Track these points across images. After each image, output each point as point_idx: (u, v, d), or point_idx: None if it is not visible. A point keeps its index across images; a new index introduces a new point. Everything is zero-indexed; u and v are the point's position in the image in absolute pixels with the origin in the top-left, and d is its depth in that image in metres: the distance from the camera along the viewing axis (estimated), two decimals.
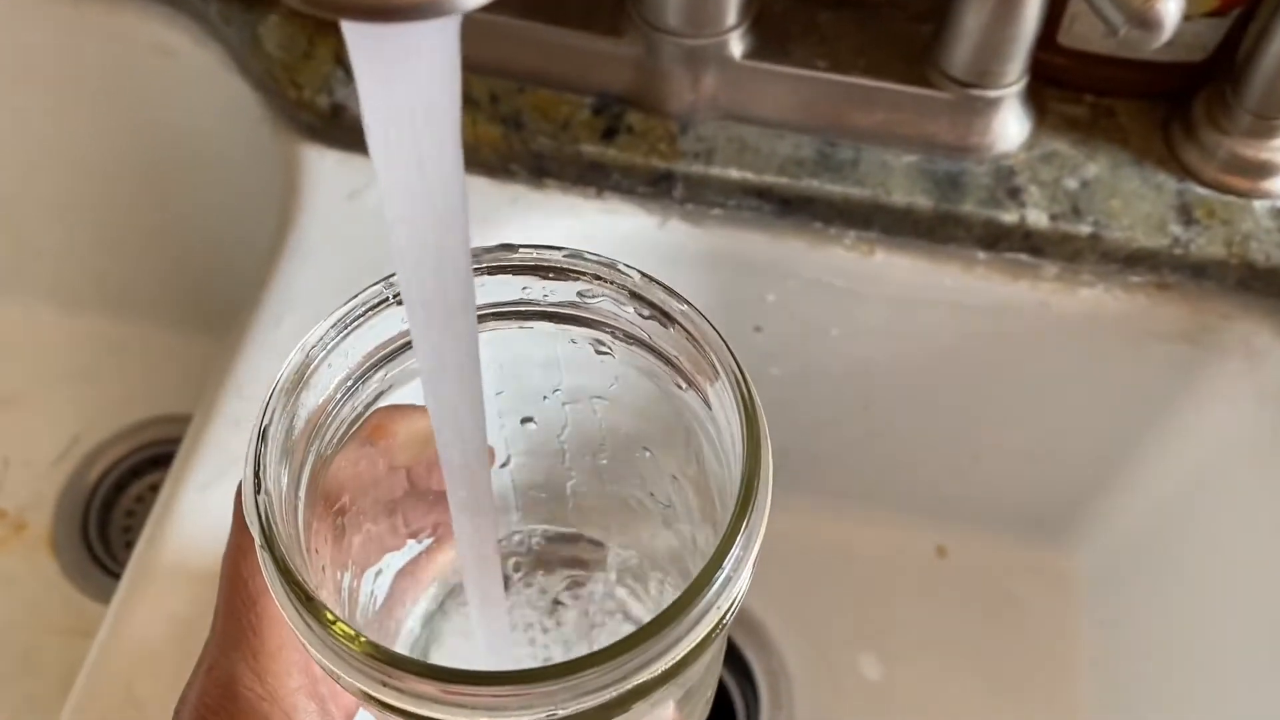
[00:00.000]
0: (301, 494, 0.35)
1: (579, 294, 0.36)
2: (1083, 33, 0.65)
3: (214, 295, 0.90)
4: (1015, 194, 0.65)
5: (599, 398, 0.40)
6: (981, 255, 0.67)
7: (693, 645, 0.30)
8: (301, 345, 0.34)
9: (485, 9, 0.59)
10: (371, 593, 0.42)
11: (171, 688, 0.38)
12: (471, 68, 0.68)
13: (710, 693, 0.42)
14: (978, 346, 0.71)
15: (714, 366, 0.34)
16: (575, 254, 0.36)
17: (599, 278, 0.36)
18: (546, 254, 0.36)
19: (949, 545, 0.84)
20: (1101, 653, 0.79)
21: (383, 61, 0.24)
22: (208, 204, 0.87)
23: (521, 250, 0.36)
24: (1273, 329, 0.66)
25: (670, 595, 0.43)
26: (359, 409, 0.37)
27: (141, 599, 0.56)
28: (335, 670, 0.31)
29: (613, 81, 0.67)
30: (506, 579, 0.47)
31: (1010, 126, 0.66)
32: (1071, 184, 0.65)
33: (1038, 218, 0.65)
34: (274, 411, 0.33)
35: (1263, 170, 0.65)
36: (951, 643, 0.81)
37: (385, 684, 0.30)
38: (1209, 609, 0.71)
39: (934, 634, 0.81)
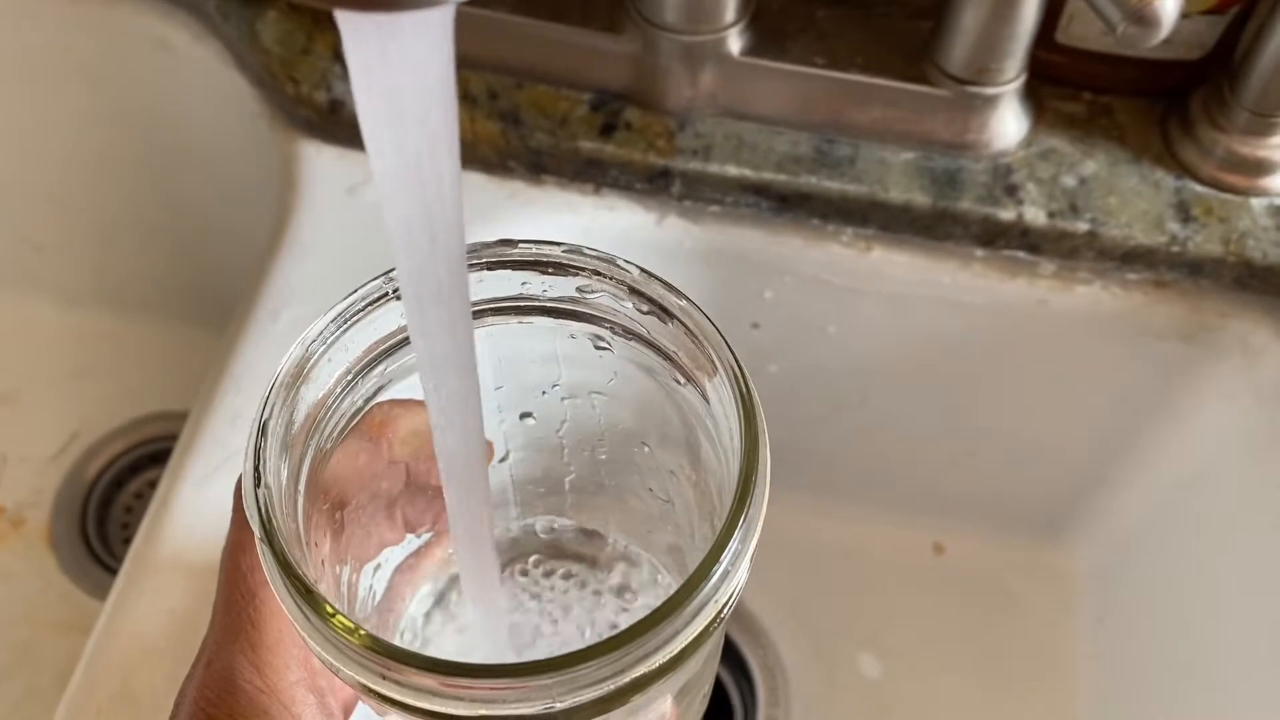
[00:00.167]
0: (301, 488, 0.35)
1: (578, 289, 0.36)
2: (1081, 30, 0.65)
3: (212, 290, 0.90)
4: (1013, 191, 0.65)
5: (598, 393, 0.40)
6: (979, 252, 0.67)
7: (690, 639, 0.30)
8: (301, 340, 0.34)
9: (481, 3, 0.58)
10: (370, 587, 0.42)
11: (168, 682, 0.38)
12: (470, 64, 0.68)
13: (708, 687, 0.43)
14: (974, 343, 0.71)
15: (712, 361, 0.34)
16: (575, 249, 0.36)
17: (598, 273, 0.36)
18: (546, 249, 0.36)
19: (946, 542, 0.84)
20: (1099, 650, 0.79)
21: (377, 53, 0.24)
22: (206, 199, 0.87)
23: (521, 245, 0.36)
24: (1270, 327, 0.66)
25: (669, 589, 0.43)
26: (358, 403, 0.37)
27: (138, 594, 0.56)
28: (334, 663, 0.31)
29: (611, 78, 0.67)
30: (504, 573, 0.47)
31: (1008, 124, 0.66)
32: (1069, 181, 0.65)
33: (1035, 215, 0.65)
34: (274, 406, 0.34)
35: (1260, 168, 0.65)
36: (949, 640, 0.81)
37: (384, 677, 0.30)
38: (1206, 605, 0.71)
39: (931, 631, 0.81)
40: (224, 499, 0.38)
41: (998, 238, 0.66)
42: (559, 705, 0.29)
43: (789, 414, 0.78)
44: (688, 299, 0.35)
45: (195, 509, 0.58)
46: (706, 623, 0.30)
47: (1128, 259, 0.65)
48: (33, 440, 0.94)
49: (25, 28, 0.78)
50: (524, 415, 0.42)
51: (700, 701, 0.42)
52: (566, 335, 0.38)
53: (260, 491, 0.32)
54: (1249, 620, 0.67)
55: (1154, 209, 0.65)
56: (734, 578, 0.31)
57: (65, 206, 0.91)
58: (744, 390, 0.33)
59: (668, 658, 0.30)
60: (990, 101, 0.65)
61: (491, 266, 0.36)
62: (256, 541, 0.32)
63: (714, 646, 0.39)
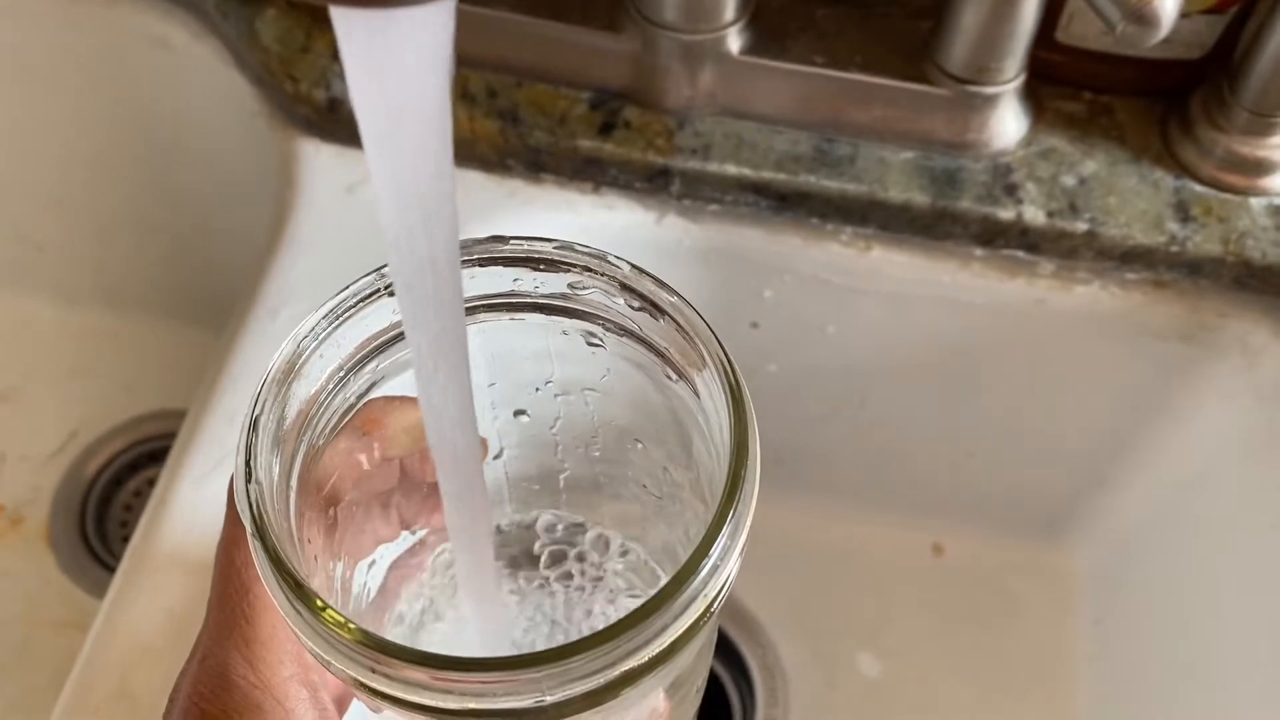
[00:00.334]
0: (293, 484, 0.35)
1: (570, 286, 0.36)
2: (1080, 30, 0.65)
3: (211, 289, 0.90)
4: (1012, 191, 0.65)
5: (591, 389, 0.40)
6: (978, 252, 0.67)
7: (680, 632, 0.30)
8: (293, 336, 0.34)
9: (481, 1, 0.58)
10: (365, 583, 0.42)
11: (166, 680, 0.38)
12: (469, 62, 0.68)
13: (701, 681, 0.43)
14: (974, 343, 0.71)
15: (702, 356, 0.34)
16: (566, 246, 0.36)
17: (589, 269, 0.36)
18: (537, 246, 0.36)
19: (945, 543, 0.84)
20: (1098, 650, 0.79)
21: (372, 51, 0.24)
22: (204, 198, 0.87)
23: (512, 242, 0.36)
24: (1269, 327, 0.66)
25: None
26: (351, 400, 0.37)
27: (137, 592, 0.57)
28: (326, 657, 0.31)
29: (610, 77, 0.67)
30: (499, 568, 0.47)
31: (1008, 123, 0.66)
32: (1068, 181, 0.65)
33: (1034, 214, 0.65)
34: (265, 402, 0.34)
35: (1260, 168, 0.65)
36: (948, 640, 0.81)
37: (374, 670, 0.30)
38: (1206, 605, 0.71)
39: (930, 631, 0.81)
40: (222, 497, 0.38)
41: (997, 237, 0.66)
42: (549, 699, 0.29)
43: (788, 414, 0.78)
44: (678, 295, 0.35)
45: (194, 507, 0.58)
46: (696, 616, 0.30)
47: (1127, 259, 0.65)
48: (32, 438, 0.94)
49: (24, 26, 0.78)
50: (518, 412, 0.42)
51: (694, 695, 0.42)
52: (559, 332, 0.38)
53: (252, 487, 0.32)
54: (1249, 620, 0.67)
55: (1153, 209, 0.65)
56: (723, 572, 0.31)
57: (64, 205, 0.91)
58: (733, 384, 0.33)
59: (658, 651, 0.30)
60: (990, 101, 0.65)
61: (483, 263, 0.36)
62: (248, 537, 0.32)
63: (706, 641, 0.39)
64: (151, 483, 0.91)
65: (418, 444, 0.39)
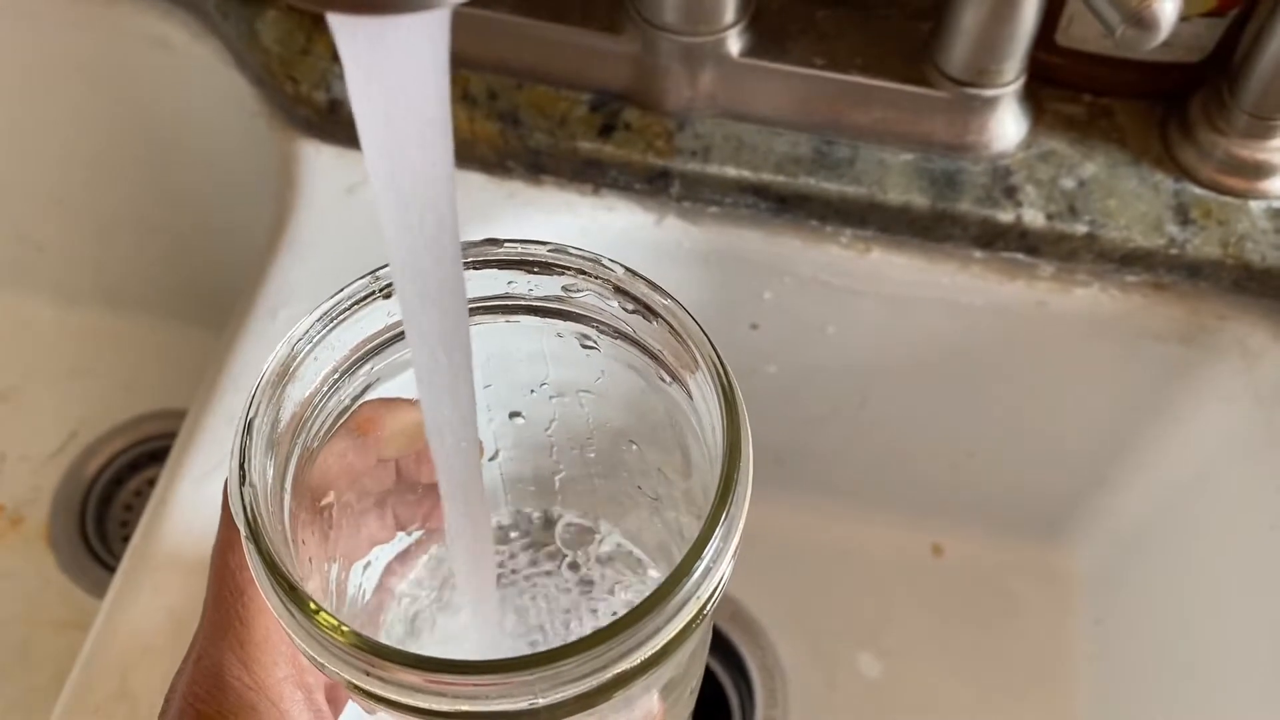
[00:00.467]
0: (288, 486, 0.35)
1: (564, 288, 0.36)
2: (1080, 32, 0.65)
3: (211, 289, 0.91)
4: (1012, 193, 0.65)
5: (586, 391, 0.40)
6: (978, 254, 0.67)
7: (673, 635, 0.30)
8: (287, 339, 0.35)
9: (481, 3, 0.58)
10: (360, 585, 0.42)
11: (166, 680, 0.38)
12: (469, 64, 0.68)
13: (695, 683, 0.43)
14: (973, 345, 0.71)
15: (695, 359, 0.34)
16: (560, 249, 0.36)
17: (583, 272, 0.36)
18: (531, 248, 0.36)
19: (945, 543, 0.84)
20: (1098, 651, 0.79)
21: (372, 56, 0.24)
22: (204, 198, 0.87)
23: (506, 245, 0.36)
24: (1268, 329, 0.66)
25: None
26: (345, 402, 0.37)
27: (137, 592, 0.57)
28: (319, 660, 0.31)
29: (610, 78, 0.67)
30: (498, 569, 0.47)
31: (1007, 125, 0.66)
32: (1068, 183, 0.65)
33: (1034, 217, 0.65)
34: (259, 404, 0.34)
35: (1259, 170, 0.65)
36: (948, 641, 0.81)
37: (368, 673, 0.30)
38: (1206, 605, 0.71)
39: (930, 632, 0.81)
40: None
41: (996, 239, 0.66)
42: (542, 701, 0.30)
43: (788, 415, 0.78)
44: (672, 298, 0.35)
45: (194, 507, 0.59)
46: (689, 619, 0.30)
47: (1127, 261, 0.65)
48: (32, 438, 0.94)
49: (24, 26, 0.78)
50: (513, 414, 0.42)
51: (688, 698, 0.42)
52: (553, 334, 0.38)
53: (245, 489, 0.32)
54: (1249, 620, 0.67)
55: (1153, 211, 0.65)
56: (716, 574, 0.31)
57: (64, 205, 0.91)
58: (725, 386, 0.33)
59: (650, 654, 0.30)
60: (990, 103, 0.65)
61: (477, 266, 0.36)
62: (242, 539, 0.32)
63: (699, 643, 0.39)
64: (152, 482, 0.91)
65: (413, 445, 0.39)
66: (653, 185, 0.67)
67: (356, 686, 0.30)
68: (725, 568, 0.31)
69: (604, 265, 0.36)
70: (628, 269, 0.35)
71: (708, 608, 0.31)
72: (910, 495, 0.83)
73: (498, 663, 0.29)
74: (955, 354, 0.72)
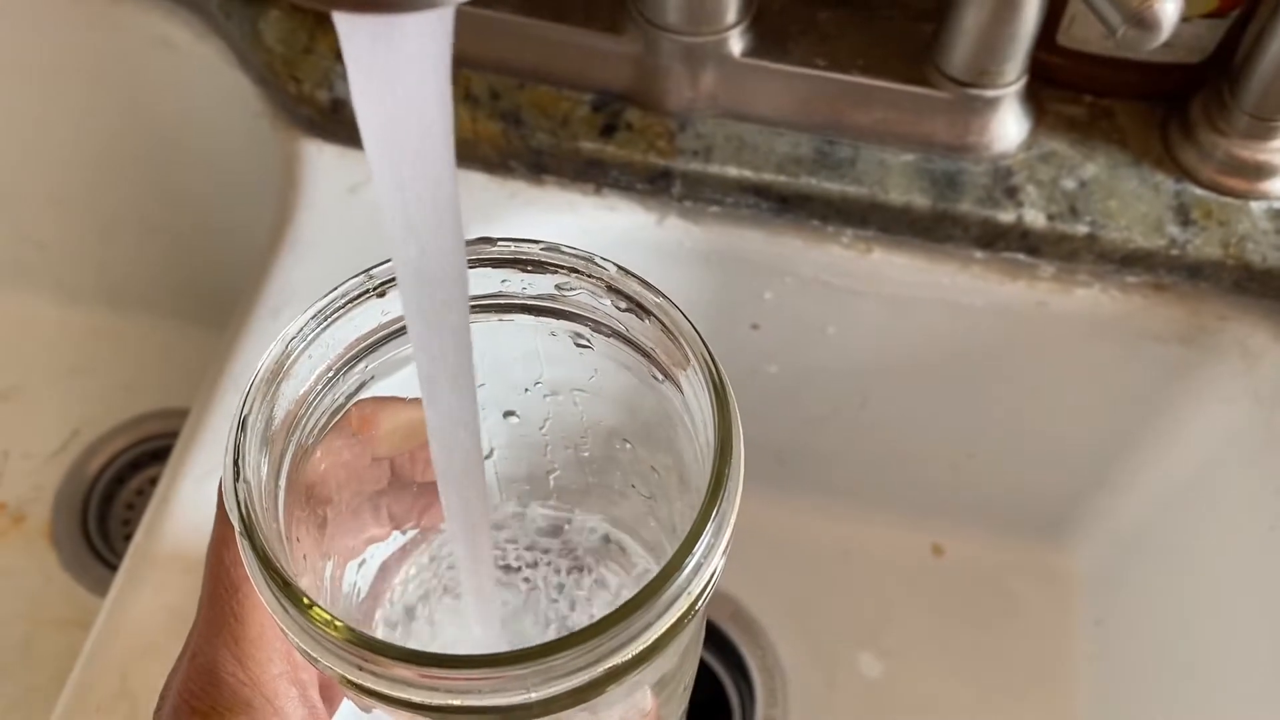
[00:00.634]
0: (282, 483, 0.35)
1: (557, 287, 0.36)
2: (1081, 33, 0.65)
3: (213, 289, 0.91)
4: (1013, 193, 0.65)
5: (580, 390, 0.40)
6: (978, 254, 0.67)
7: (664, 629, 0.30)
8: (281, 337, 0.35)
9: (483, 3, 0.58)
10: (355, 583, 0.42)
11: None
12: (471, 64, 0.68)
13: (689, 680, 0.43)
14: (974, 345, 0.71)
15: (686, 356, 0.34)
16: (552, 247, 0.36)
17: (576, 270, 0.36)
18: (524, 247, 0.36)
19: (946, 543, 0.84)
20: (1098, 650, 0.79)
21: (375, 54, 0.24)
22: (207, 197, 0.87)
23: (500, 243, 0.36)
24: (1269, 330, 0.66)
25: None
26: (340, 400, 0.37)
27: (138, 590, 0.57)
28: (313, 655, 0.31)
29: (612, 79, 0.67)
30: (497, 567, 0.47)
31: (1008, 126, 0.66)
32: (1069, 184, 0.65)
33: (1035, 217, 0.65)
34: (253, 402, 0.34)
35: (1260, 171, 0.65)
36: (948, 641, 0.81)
37: (362, 668, 0.30)
38: (1206, 606, 0.71)
39: (930, 632, 0.81)
40: None
41: (997, 240, 0.66)
42: (535, 695, 0.30)
43: (789, 415, 0.78)
44: (664, 295, 0.35)
45: (195, 506, 0.59)
46: (680, 614, 0.30)
47: (1127, 262, 0.65)
48: (34, 437, 0.94)
49: (26, 26, 0.79)
50: (507, 413, 0.42)
51: (681, 694, 0.42)
52: (547, 333, 0.38)
53: (239, 486, 0.32)
54: (1249, 621, 0.67)
55: (1154, 212, 0.65)
56: (707, 569, 0.31)
57: (67, 204, 0.91)
58: (717, 383, 0.33)
59: (642, 648, 0.30)
60: (991, 104, 0.65)
61: (471, 264, 0.36)
62: (236, 535, 0.32)
63: (692, 639, 0.39)
64: (153, 481, 0.91)
65: (408, 444, 0.39)
66: (654, 185, 0.67)
67: (350, 681, 0.31)
68: (717, 563, 0.31)
69: (597, 264, 0.36)
70: (620, 267, 0.36)
71: (699, 603, 0.31)
72: (911, 495, 0.83)
73: (490, 657, 0.29)
74: (956, 354, 0.72)
